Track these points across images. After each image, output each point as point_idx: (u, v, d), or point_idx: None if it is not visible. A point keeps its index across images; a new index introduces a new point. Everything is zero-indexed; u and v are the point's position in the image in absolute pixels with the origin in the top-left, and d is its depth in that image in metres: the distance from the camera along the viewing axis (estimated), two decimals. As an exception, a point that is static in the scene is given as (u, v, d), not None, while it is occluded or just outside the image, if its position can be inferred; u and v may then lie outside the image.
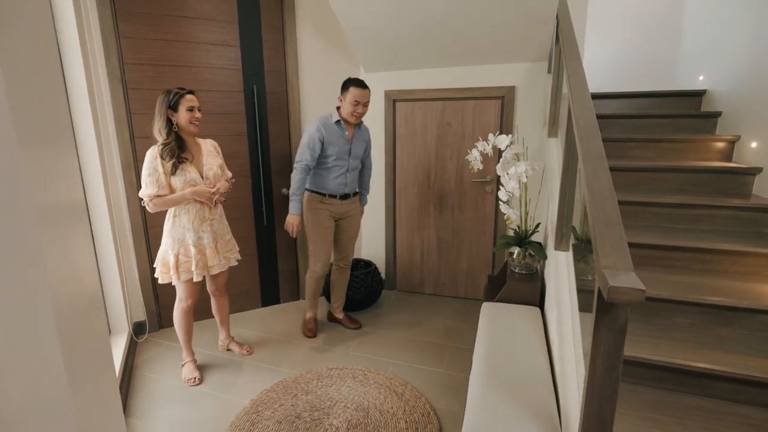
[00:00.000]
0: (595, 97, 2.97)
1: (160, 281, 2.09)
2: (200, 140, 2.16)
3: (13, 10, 0.76)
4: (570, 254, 1.89)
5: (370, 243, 3.41)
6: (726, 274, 1.88)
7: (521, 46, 2.60)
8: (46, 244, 0.85)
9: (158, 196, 1.95)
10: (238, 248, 2.30)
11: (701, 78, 3.01)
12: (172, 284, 2.12)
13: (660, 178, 2.37)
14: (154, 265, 2.11)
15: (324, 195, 2.47)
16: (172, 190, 1.99)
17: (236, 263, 2.29)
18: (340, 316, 2.84)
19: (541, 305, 2.14)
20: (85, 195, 2.27)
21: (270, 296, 3.14)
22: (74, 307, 0.99)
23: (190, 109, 1.99)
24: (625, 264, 0.97)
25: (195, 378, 2.22)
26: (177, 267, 2.04)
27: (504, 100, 2.80)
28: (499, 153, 2.45)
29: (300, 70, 2.89)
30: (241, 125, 2.78)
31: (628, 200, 2.20)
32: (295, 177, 2.37)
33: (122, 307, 2.47)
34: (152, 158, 1.94)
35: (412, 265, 3.29)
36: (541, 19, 2.36)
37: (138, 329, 2.66)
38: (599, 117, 2.81)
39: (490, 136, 2.23)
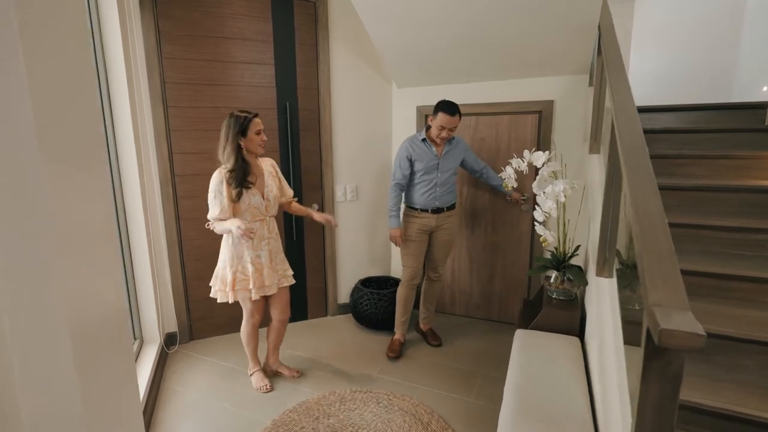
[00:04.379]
0: (642, 110, 2.79)
1: (218, 300, 2.09)
2: (260, 160, 2.18)
3: (46, 22, 0.77)
4: (613, 281, 1.73)
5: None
6: (799, 309, 1.66)
7: (560, 59, 2.49)
8: (68, 263, 0.84)
9: (219, 219, 1.99)
10: (288, 265, 2.27)
11: (765, 89, 2.76)
12: (230, 302, 2.09)
13: (716, 198, 2.16)
14: (211, 283, 2.13)
15: (416, 209, 2.52)
16: (233, 213, 2.01)
17: (293, 281, 2.25)
18: (424, 328, 2.82)
19: (580, 335, 1.98)
20: (125, 209, 2.36)
21: (298, 312, 3.12)
22: (93, 327, 0.98)
23: (258, 133, 2.03)
24: (679, 301, 0.85)
25: (266, 385, 2.26)
26: (234, 285, 2.05)
27: (541, 114, 2.68)
28: (535, 170, 2.33)
29: (332, 86, 2.91)
30: (274, 142, 2.81)
31: (678, 222, 2.02)
32: (390, 195, 2.50)
33: (155, 317, 2.53)
34: (218, 182, 1.97)
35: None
36: (582, 31, 2.24)
37: (169, 340, 2.71)
38: (645, 132, 2.63)
39: (526, 152, 2.12)
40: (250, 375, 2.33)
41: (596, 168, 2.32)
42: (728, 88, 3.20)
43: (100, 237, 1.07)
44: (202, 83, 2.59)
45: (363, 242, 3.22)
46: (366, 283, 3.10)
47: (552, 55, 2.47)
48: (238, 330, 2.92)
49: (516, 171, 2.17)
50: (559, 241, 2.03)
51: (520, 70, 2.65)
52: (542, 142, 2.68)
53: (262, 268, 2.09)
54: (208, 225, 2.04)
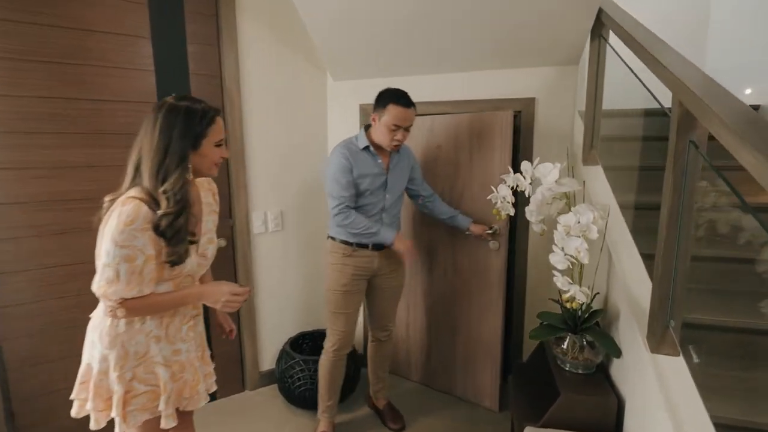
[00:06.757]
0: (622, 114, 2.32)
1: (92, 426, 1.13)
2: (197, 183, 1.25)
3: None
4: (681, 360, 1.14)
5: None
6: None
7: (545, 45, 1.93)
8: None
9: (138, 297, 1.06)
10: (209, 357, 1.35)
11: (748, 92, 2.47)
12: None
13: None
14: (73, 396, 1.15)
15: (350, 245, 1.74)
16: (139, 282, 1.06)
17: (215, 387, 1.34)
18: (380, 404, 2.11)
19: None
20: None
21: (200, 390, 2.20)
22: None
23: (220, 144, 1.14)
24: None
25: None
26: (125, 403, 1.11)
27: (519, 116, 2.10)
28: (513, 190, 1.69)
29: (242, 75, 2.10)
30: (155, 150, 1.92)
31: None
32: (351, 223, 1.68)
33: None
34: (138, 230, 1.01)
35: (396, 340, 2.43)
36: (578, 8, 1.70)
37: (-28, 471, 1.67)
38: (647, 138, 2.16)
39: (526, 165, 1.49)
40: None
41: (600, 184, 1.78)
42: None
43: None
44: (28, 59, 1.65)
45: (292, 286, 2.40)
46: (297, 343, 2.29)
47: (535, 40, 1.90)
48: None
49: (514, 191, 1.53)
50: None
51: (492, 59, 2.06)
52: (521, 152, 2.10)
53: (183, 371, 1.19)
54: (114, 310, 1.05)
